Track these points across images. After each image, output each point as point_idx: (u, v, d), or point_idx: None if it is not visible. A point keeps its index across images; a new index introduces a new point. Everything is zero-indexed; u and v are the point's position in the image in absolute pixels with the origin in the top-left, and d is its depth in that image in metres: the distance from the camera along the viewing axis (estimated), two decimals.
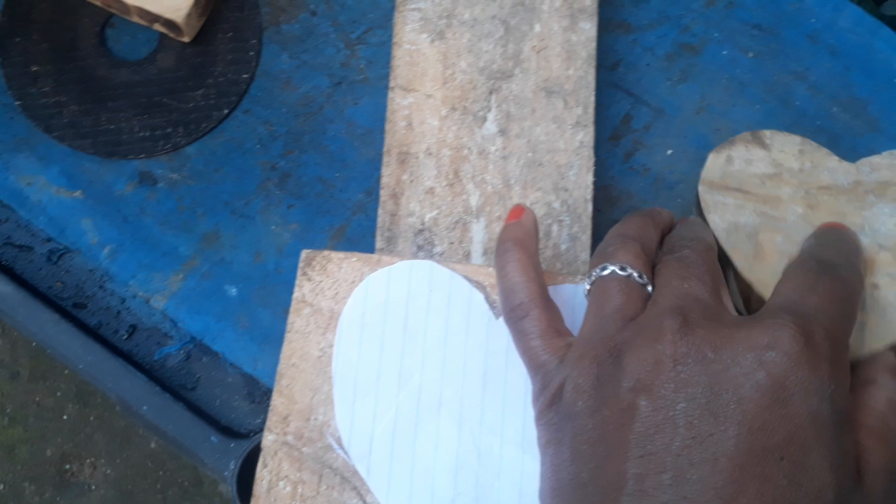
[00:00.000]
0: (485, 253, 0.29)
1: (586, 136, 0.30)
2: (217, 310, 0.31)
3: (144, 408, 0.30)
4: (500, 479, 0.24)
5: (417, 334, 0.26)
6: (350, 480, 0.25)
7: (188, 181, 0.33)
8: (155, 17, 0.33)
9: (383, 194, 0.29)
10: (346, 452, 0.25)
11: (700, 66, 0.34)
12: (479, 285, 0.26)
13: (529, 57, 0.31)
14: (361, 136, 0.33)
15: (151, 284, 0.31)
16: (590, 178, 0.29)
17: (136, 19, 0.34)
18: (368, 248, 0.29)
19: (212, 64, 0.34)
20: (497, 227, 0.29)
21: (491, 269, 0.26)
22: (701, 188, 0.27)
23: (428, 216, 0.29)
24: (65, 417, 0.85)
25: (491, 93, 0.30)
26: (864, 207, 0.26)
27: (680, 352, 0.19)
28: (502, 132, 0.30)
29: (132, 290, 0.32)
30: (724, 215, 0.26)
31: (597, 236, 0.29)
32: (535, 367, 0.22)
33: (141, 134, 0.33)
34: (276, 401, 0.25)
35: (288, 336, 0.26)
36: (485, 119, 0.30)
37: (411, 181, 0.29)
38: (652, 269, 0.23)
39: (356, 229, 0.32)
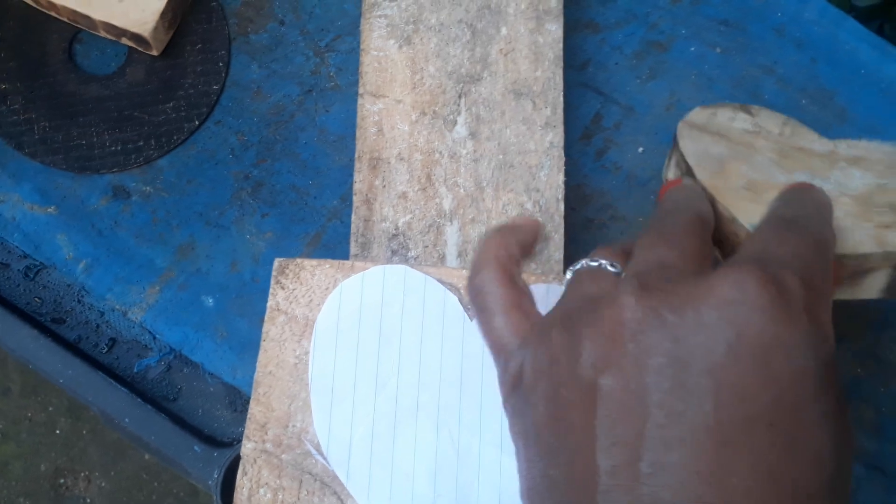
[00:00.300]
0: (459, 256, 0.29)
1: (556, 136, 0.30)
2: (195, 320, 0.31)
3: (127, 420, 0.30)
4: (479, 480, 0.25)
5: (393, 339, 0.26)
6: (330, 486, 0.25)
7: (161, 194, 0.33)
8: (122, 32, 0.33)
9: (356, 200, 0.29)
10: (325, 458, 0.25)
11: (668, 64, 0.34)
12: (454, 288, 0.27)
13: (497, 60, 0.31)
14: (334, 143, 0.33)
15: (128, 297, 0.32)
16: (561, 178, 0.30)
17: (103, 34, 0.34)
18: (344, 254, 0.30)
19: (181, 76, 0.34)
20: (470, 230, 0.29)
21: (465, 272, 0.27)
22: (681, 125, 0.27)
23: (401, 221, 0.29)
24: (57, 432, 0.84)
25: (460, 96, 0.31)
26: (835, 169, 0.26)
27: (635, 317, 0.17)
28: (473, 135, 0.30)
29: (110, 304, 0.32)
30: (697, 144, 0.27)
31: (569, 235, 0.30)
32: (497, 348, 0.20)
33: (113, 148, 0.33)
34: (254, 409, 0.26)
35: (263, 344, 0.26)
36: (455, 122, 0.30)
37: (384, 186, 0.30)
38: None
39: (332, 236, 0.32)
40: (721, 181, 0.26)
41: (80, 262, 0.32)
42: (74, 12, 0.33)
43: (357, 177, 0.30)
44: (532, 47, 0.31)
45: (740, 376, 0.16)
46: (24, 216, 0.32)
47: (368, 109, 0.30)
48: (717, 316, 0.17)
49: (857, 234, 0.25)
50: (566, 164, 0.30)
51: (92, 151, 0.33)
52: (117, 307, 0.32)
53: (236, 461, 0.29)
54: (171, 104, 0.33)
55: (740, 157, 0.27)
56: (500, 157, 0.30)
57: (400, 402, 0.25)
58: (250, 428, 0.25)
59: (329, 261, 0.27)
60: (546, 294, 0.27)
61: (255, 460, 0.25)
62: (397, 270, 0.27)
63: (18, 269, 0.32)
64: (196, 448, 0.30)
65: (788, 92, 0.34)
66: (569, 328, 0.18)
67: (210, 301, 0.31)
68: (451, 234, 0.29)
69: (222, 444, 0.30)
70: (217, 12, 0.34)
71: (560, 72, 0.31)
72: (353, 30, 0.34)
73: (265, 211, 0.32)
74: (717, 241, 0.25)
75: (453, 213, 0.29)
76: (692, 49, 0.35)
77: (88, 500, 0.83)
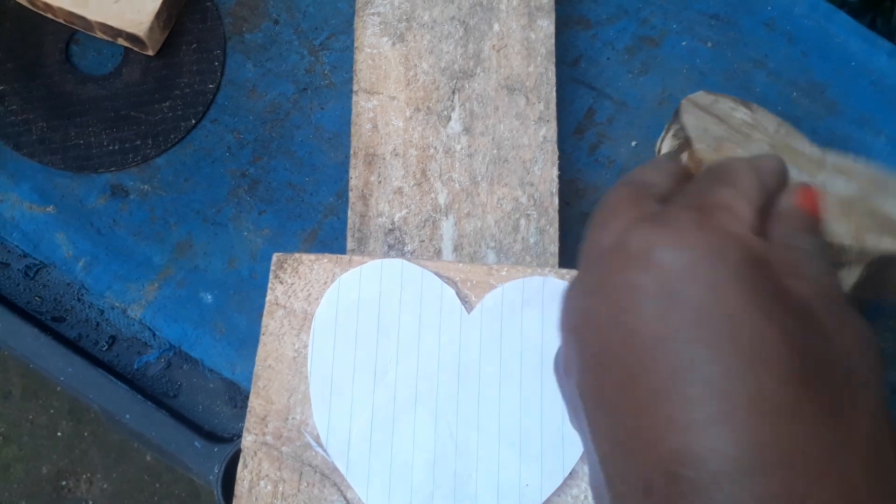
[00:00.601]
0: (455, 249, 0.29)
1: (549, 130, 0.30)
2: (194, 317, 0.31)
3: (127, 417, 0.30)
4: (477, 471, 0.25)
5: (391, 331, 0.26)
6: (330, 477, 0.25)
7: (159, 192, 0.33)
8: (118, 32, 0.33)
9: (352, 196, 0.30)
10: (324, 450, 0.25)
11: (660, 58, 0.35)
12: (451, 281, 0.27)
13: (490, 56, 0.31)
14: (329, 140, 0.34)
15: (128, 295, 0.32)
16: (554, 172, 0.30)
17: (99, 35, 0.34)
18: (341, 249, 0.30)
19: (177, 76, 0.34)
20: (466, 224, 0.29)
21: (462, 265, 0.27)
22: (685, 102, 0.29)
23: (397, 216, 0.29)
24: (59, 434, 0.84)
25: (454, 92, 0.31)
26: (823, 171, 0.28)
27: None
28: (467, 130, 0.31)
29: (109, 302, 0.32)
30: (699, 121, 0.29)
31: (564, 229, 0.30)
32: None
33: (110, 147, 0.33)
34: (254, 402, 0.26)
35: (263, 338, 0.27)
36: (449, 118, 0.31)
37: (379, 182, 0.30)
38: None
39: (328, 232, 0.32)
40: (716, 157, 0.27)
41: (80, 260, 0.32)
42: (71, 14, 0.33)
43: (353, 173, 0.30)
44: (524, 43, 0.31)
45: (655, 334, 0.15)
46: (23, 216, 0.33)
47: (363, 106, 0.31)
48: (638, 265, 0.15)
49: (838, 227, 0.26)
50: (560, 158, 0.30)
51: (90, 151, 0.33)
52: (117, 305, 0.32)
53: (236, 456, 0.29)
54: (168, 103, 0.34)
55: (736, 141, 0.28)
56: (495, 151, 0.30)
57: (398, 394, 0.26)
58: (250, 421, 0.26)
59: (327, 255, 0.27)
60: (542, 287, 0.27)
61: (255, 453, 0.25)
62: (394, 264, 0.27)
63: (18, 269, 0.33)
64: (196, 444, 0.30)
65: (780, 85, 0.35)
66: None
67: (209, 297, 0.32)
68: (447, 228, 0.29)
69: (222, 439, 0.30)
70: (212, 12, 0.35)
71: (552, 67, 0.31)
72: (346, 28, 0.35)
73: (262, 208, 0.33)
74: None
75: (449, 208, 0.30)
76: (683, 43, 0.35)
77: (90, 502, 0.83)
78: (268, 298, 0.27)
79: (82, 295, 0.32)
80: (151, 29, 0.33)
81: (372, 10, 0.32)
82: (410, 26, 0.32)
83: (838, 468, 0.14)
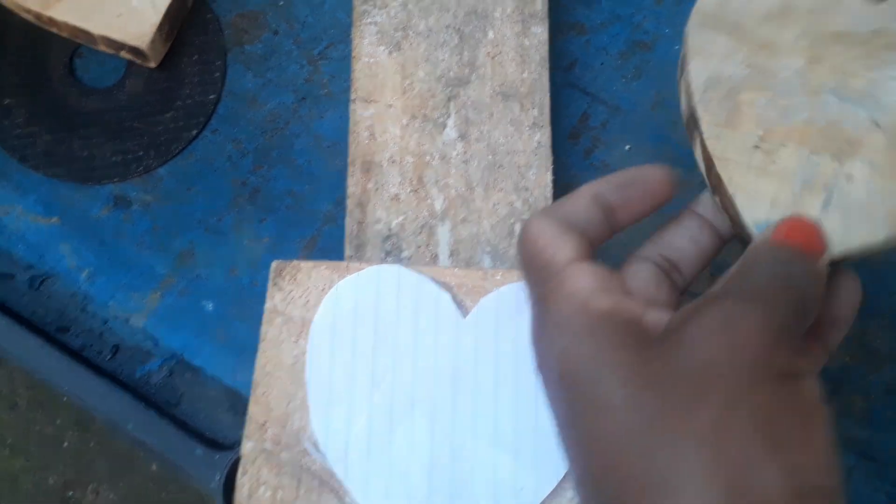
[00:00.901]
0: (451, 255, 0.29)
1: (543, 136, 0.31)
2: (195, 325, 0.32)
3: (130, 425, 0.31)
4: (474, 476, 0.25)
5: (388, 337, 0.26)
6: (328, 483, 0.25)
7: (161, 202, 0.34)
8: (121, 45, 0.34)
9: (350, 203, 0.30)
10: (323, 456, 0.25)
11: (653, 63, 0.35)
12: (447, 286, 0.27)
13: (485, 63, 0.32)
14: (328, 149, 0.34)
15: (130, 304, 0.32)
16: (549, 177, 0.30)
17: (102, 48, 0.34)
18: (340, 256, 0.30)
19: (179, 87, 0.35)
20: (462, 229, 0.30)
21: (457, 270, 0.27)
22: (691, 22, 0.23)
23: (394, 222, 0.30)
24: (65, 445, 0.85)
25: (449, 100, 0.31)
26: (874, 67, 0.22)
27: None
28: (462, 137, 0.31)
29: (112, 311, 0.32)
30: (707, 62, 0.22)
31: None
32: None
33: (113, 159, 0.34)
34: (253, 409, 0.26)
35: (261, 346, 0.27)
36: (445, 125, 0.31)
37: (376, 189, 0.30)
38: None
39: (327, 239, 0.33)
40: (729, 133, 0.21)
41: (84, 270, 0.33)
42: (74, 28, 0.34)
43: (350, 181, 0.30)
44: (518, 50, 0.32)
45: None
46: (28, 227, 0.33)
47: (360, 115, 0.31)
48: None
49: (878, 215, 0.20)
50: (554, 163, 0.30)
51: (93, 162, 0.34)
52: (120, 314, 0.32)
53: (238, 464, 0.29)
54: (170, 114, 0.34)
55: (757, 83, 0.22)
56: (490, 157, 0.31)
57: (395, 399, 0.26)
58: (250, 427, 0.26)
59: (325, 262, 0.28)
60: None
61: (254, 459, 0.26)
62: (391, 270, 0.27)
63: (23, 280, 0.33)
64: (198, 451, 0.30)
65: None
66: None
67: (210, 306, 0.32)
68: (443, 234, 0.30)
69: (224, 447, 0.31)
70: (213, 24, 0.35)
71: (546, 73, 0.31)
72: (344, 38, 0.35)
73: (262, 216, 0.33)
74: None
75: (445, 214, 0.30)
76: (676, 48, 0.35)
77: None
78: (266, 306, 0.27)
79: (86, 305, 0.33)
80: (154, 41, 0.33)
81: (369, 20, 0.32)
82: (407, 35, 0.32)
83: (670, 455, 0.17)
